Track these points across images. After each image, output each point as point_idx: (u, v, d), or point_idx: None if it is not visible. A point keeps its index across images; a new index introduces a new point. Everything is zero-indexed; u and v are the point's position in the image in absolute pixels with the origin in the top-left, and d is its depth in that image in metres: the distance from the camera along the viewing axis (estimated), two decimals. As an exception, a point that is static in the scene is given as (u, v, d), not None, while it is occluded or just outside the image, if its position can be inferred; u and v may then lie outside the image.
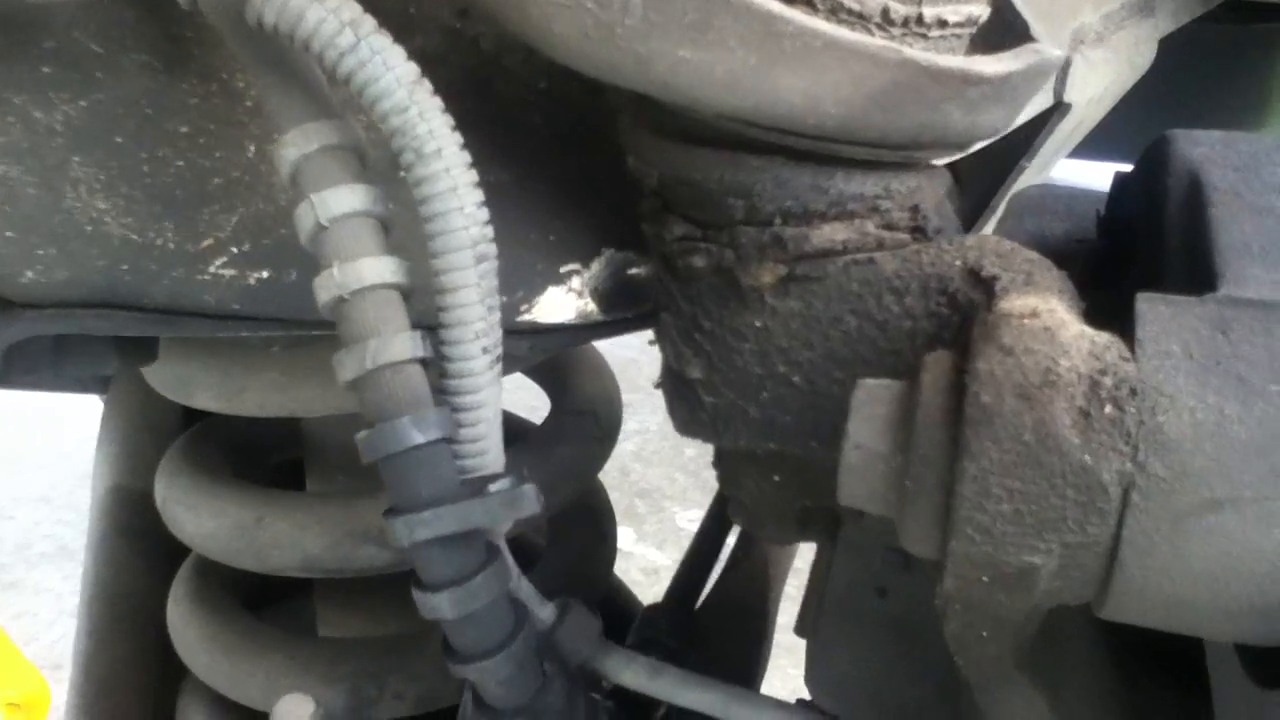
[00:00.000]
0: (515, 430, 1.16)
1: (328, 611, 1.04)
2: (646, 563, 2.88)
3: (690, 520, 3.01)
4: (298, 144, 0.52)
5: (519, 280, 0.66)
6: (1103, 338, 0.43)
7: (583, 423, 0.99)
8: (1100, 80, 1.64)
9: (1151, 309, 0.44)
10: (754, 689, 1.08)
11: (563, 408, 1.02)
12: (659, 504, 3.16)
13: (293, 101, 0.53)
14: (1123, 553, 0.40)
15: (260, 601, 1.11)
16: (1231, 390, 0.41)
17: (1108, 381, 0.41)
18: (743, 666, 1.07)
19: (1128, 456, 0.40)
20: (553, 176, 0.67)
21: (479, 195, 0.51)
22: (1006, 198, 1.82)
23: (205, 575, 1.02)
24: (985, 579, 0.42)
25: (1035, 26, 0.62)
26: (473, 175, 0.51)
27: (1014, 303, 0.46)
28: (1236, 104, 2.79)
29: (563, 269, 0.67)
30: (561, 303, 0.67)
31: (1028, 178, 1.84)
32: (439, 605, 0.52)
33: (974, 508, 0.41)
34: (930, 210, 0.57)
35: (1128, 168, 0.76)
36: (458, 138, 0.51)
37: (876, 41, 0.49)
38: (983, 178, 1.84)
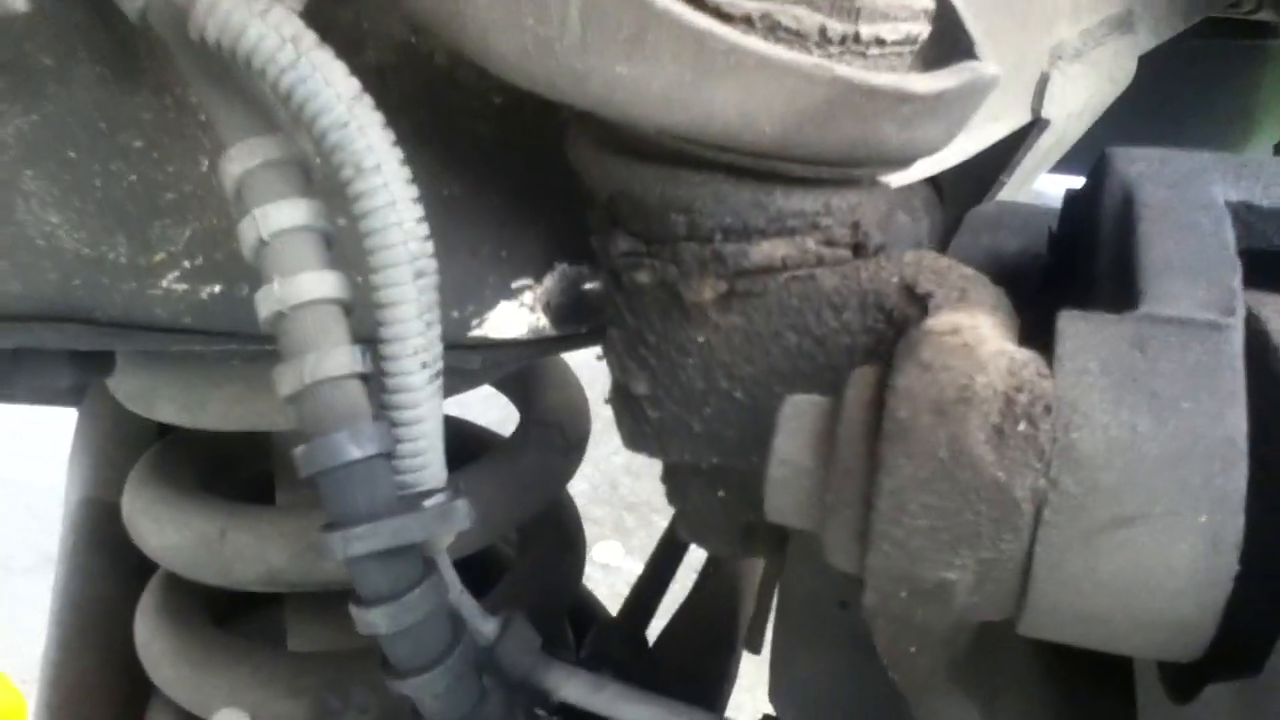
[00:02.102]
0: (483, 442, 1.17)
1: (298, 624, 1.04)
2: (635, 577, 2.87)
3: (678, 534, 3.00)
4: (242, 159, 0.53)
5: (470, 295, 0.66)
6: (1022, 355, 0.44)
7: (548, 435, 1.00)
8: (1079, 96, 1.65)
9: (1071, 326, 0.44)
10: (722, 704, 1.08)
11: (529, 420, 1.03)
12: (647, 518, 3.16)
13: (237, 116, 0.53)
14: (1036, 569, 0.41)
15: (231, 615, 1.11)
16: (1145, 406, 0.41)
17: (1023, 398, 0.41)
18: (711, 682, 1.07)
19: (1040, 473, 0.41)
20: (506, 190, 0.68)
21: (419, 211, 0.52)
22: (987, 213, 1.82)
23: (173, 588, 1.02)
24: (903, 594, 0.43)
25: (981, 45, 0.63)
26: (413, 191, 0.52)
27: (939, 320, 0.47)
28: (1222, 119, 2.81)
29: (515, 284, 0.67)
30: (513, 318, 0.67)
31: (1009, 193, 1.86)
32: (375, 620, 0.52)
33: (890, 523, 0.42)
34: (872, 227, 0.58)
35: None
36: (398, 153, 0.52)
37: (809, 59, 0.50)
38: (964, 193, 1.85)
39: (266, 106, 0.54)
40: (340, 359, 0.51)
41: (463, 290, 0.66)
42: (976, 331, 0.45)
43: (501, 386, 1.13)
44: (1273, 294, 0.56)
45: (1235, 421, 0.41)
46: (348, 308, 0.53)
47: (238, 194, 0.53)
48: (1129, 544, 0.40)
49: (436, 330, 0.53)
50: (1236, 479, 0.40)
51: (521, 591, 1.03)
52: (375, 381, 0.53)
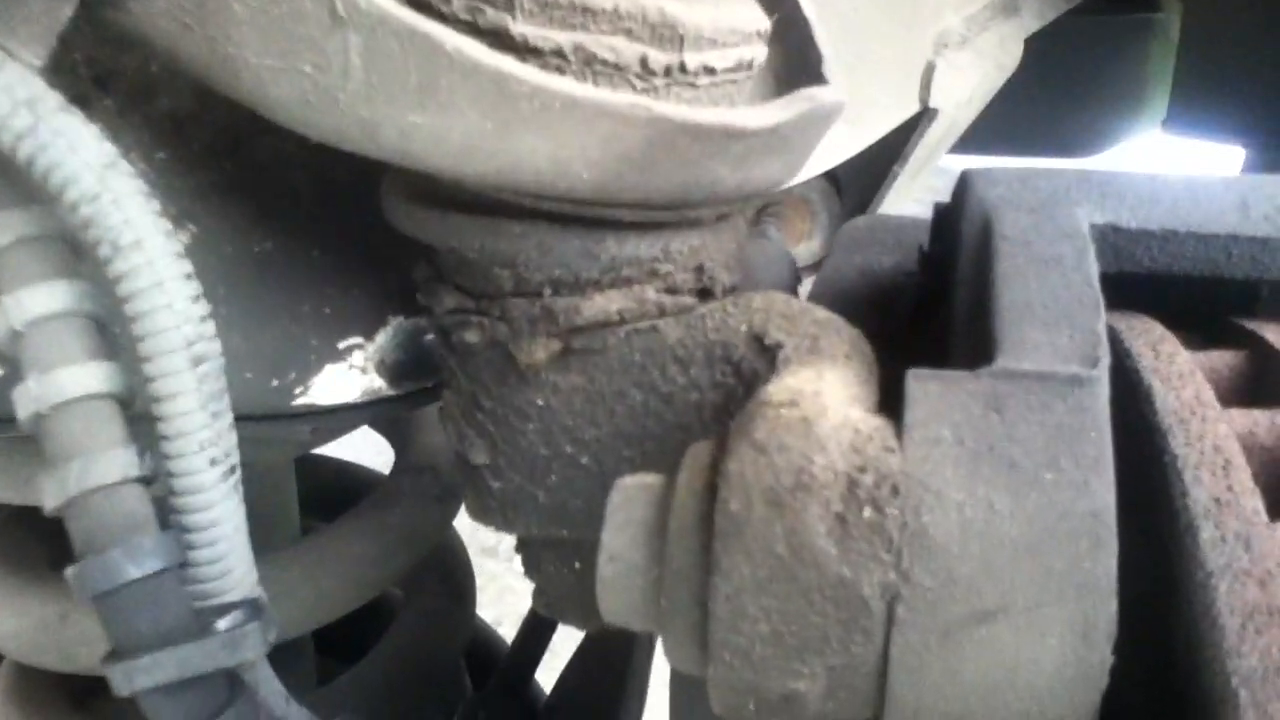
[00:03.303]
0: (363, 485, 1.10)
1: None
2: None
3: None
4: None
5: (291, 360, 0.60)
6: (868, 425, 0.39)
7: (422, 481, 0.94)
8: (967, 83, 1.62)
9: (921, 388, 0.39)
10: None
11: (404, 464, 0.97)
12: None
13: None
14: (893, 673, 0.36)
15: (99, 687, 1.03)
16: (1003, 480, 0.37)
17: (867, 480, 0.37)
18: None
19: (890, 565, 0.36)
20: (328, 242, 0.62)
21: (191, 289, 0.45)
22: (884, 203, 1.81)
23: (25, 672, 0.94)
24: (750, 706, 0.38)
25: (829, 62, 0.58)
26: (183, 266, 0.45)
27: (778, 387, 0.42)
28: (1111, 94, 2.84)
29: (342, 344, 0.61)
30: (343, 381, 0.61)
31: (903, 182, 1.83)
32: (175, 757, 0.46)
33: (729, 629, 0.37)
34: (719, 269, 0.53)
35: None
36: (163, 225, 0.45)
37: (624, 98, 0.44)
38: (859, 186, 1.82)
39: (16, 172, 0.47)
40: (111, 464, 0.45)
41: (282, 356, 0.59)
42: (818, 400, 0.40)
43: (375, 426, 1.07)
44: (1140, 315, 0.52)
45: (1102, 493, 0.36)
46: (124, 401, 0.47)
47: None
48: (992, 641, 0.35)
49: (226, 420, 0.47)
50: (1105, 560, 0.35)
51: (406, 647, 0.97)
52: (162, 483, 0.47)
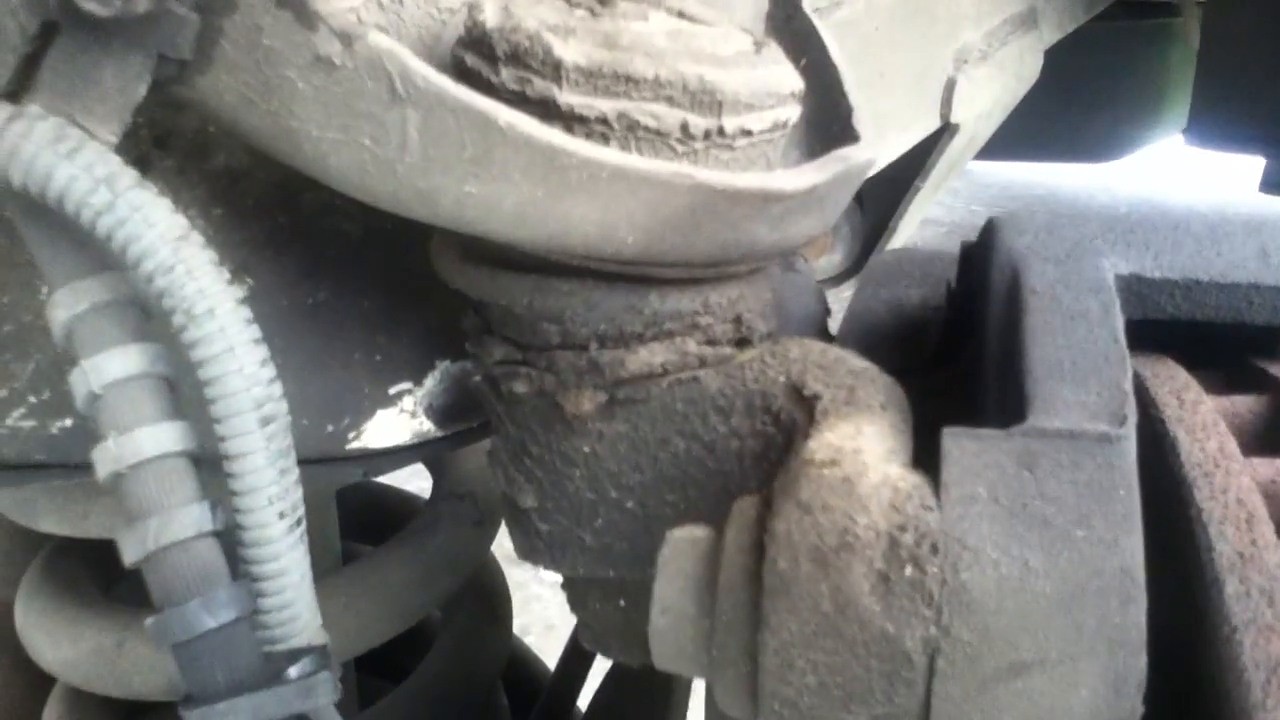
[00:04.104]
0: (403, 511, 1.13)
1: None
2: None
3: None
4: (68, 304, 0.48)
5: (344, 406, 0.62)
6: (906, 483, 0.41)
7: (461, 508, 0.96)
8: (987, 97, 1.64)
9: (957, 446, 0.41)
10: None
11: (442, 491, 1.00)
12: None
13: (61, 257, 0.49)
14: (933, 722, 0.38)
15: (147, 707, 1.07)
16: (1036, 538, 0.39)
17: (908, 539, 0.39)
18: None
19: (931, 620, 0.38)
20: (378, 290, 0.64)
21: (260, 353, 0.48)
22: (905, 216, 1.82)
23: (79, 694, 0.97)
24: (799, 753, 0.40)
25: (860, 115, 0.60)
26: (252, 332, 0.48)
27: (821, 441, 0.44)
28: (1134, 96, 2.85)
29: (392, 390, 0.64)
30: (394, 425, 0.64)
31: (924, 195, 1.85)
32: (247, 797, 0.48)
33: (778, 680, 0.39)
34: (755, 318, 0.55)
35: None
36: (233, 293, 0.48)
37: (667, 166, 0.47)
38: (881, 200, 1.84)
39: (94, 244, 0.50)
40: (187, 520, 0.47)
41: (336, 403, 0.62)
42: (858, 458, 0.42)
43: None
44: (1165, 360, 0.54)
45: (1131, 550, 0.38)
46: (196, 457, 0.49)
47: (66, 342, 0.49)
48: (1027, 692, 0.37)
49: (292, 475, 0.49)
50: (1135, 615, 0.37)
51: (444, 669, 0.99)
52: (233, 535, 0.50)
